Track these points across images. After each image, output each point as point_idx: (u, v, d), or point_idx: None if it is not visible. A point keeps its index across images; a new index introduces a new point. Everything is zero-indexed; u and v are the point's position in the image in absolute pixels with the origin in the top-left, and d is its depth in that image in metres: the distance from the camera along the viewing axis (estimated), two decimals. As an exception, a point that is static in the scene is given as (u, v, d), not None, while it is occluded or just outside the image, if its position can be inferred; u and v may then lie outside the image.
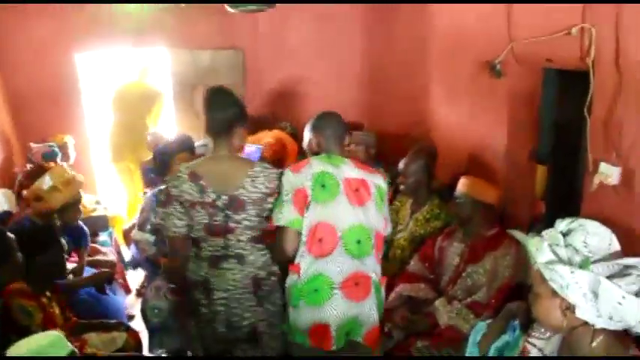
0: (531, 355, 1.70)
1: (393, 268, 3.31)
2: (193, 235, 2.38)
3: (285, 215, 2.31)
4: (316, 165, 2.39)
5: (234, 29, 5.12)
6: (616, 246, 1.45)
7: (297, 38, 5.22)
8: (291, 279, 2.42)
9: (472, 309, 2.62)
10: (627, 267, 1.38)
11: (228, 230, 2.35)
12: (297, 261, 2.39)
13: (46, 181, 3.25)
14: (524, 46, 3.05)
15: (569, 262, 1.42)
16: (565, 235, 1.46)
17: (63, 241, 2.87)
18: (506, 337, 2.01)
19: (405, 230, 3.38)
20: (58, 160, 4.53)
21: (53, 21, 4.70)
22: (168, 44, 5.09)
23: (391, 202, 3.66)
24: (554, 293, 1.44)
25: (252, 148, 3.00)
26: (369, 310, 2.42)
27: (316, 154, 2.51)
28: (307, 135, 2.61)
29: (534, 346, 1.66)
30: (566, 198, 3.16)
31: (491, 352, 1.96)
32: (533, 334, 1.71)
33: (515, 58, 3.16)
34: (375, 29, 5.09)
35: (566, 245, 1.44)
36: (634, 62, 2.35)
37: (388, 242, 3.49)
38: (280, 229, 2.36)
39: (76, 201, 3.46)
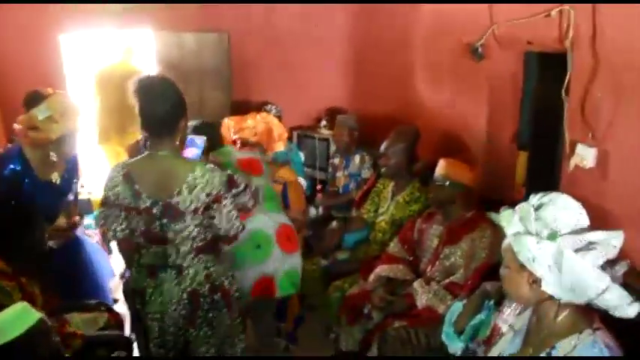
0: (503, 333, 1.72)
1: (374, 251, 3.34)
2: (134, 240, 2.18)
3: None
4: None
5: (219, 12, 5.07)
6: (585, 221, 1.46)
7: (283, 22, 5.19)
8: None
9: (449, 290, 2.64)
10: (593, 242, 1.40)
11: (167, 240, 2.11)
12: None
13: (42, 110, 2.97)
14: (505, 28, 3.06)
15: (538, 235, 1.43)
16: (537, 209, 1.48)
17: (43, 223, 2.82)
18: (481, 316, 2.03)
19: (386, 213, 3.39)
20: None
21: (37, 2, 4.64)
22: (153, 26, 5.04)
23: (373, 184, 3.68)
24: (522, 266, 1.46)
25: (196, 139, 2.80)
26: None
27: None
28: None
29: (506, 322, 1.69)
30: (546, 183, 3.18)
31: (467, 331, 1.99)
32: (504, 310, 1.73)
33: (497, 41, 3.17)
34: (359, 13, 5.08)
35: (537, 219, 1.45)
36: (610, 44, 2.37)
37: (369, 225, 3.52)
38: None
39: (74, 133, 3.16)
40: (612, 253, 1.40)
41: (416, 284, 2.76)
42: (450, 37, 3.60)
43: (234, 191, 2.18)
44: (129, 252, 2.27)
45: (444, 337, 2.08)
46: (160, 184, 2.07)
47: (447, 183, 2.78)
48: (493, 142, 3.44)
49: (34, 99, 3.07)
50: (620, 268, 1.40)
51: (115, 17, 4.80)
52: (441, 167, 2.85)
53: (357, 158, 4.19)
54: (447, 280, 2.68)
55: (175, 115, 2.09)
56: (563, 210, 1.47)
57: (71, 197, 3.43)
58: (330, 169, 4.57)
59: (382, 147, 3.36)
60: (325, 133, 5.02)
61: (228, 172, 2.18)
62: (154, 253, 2.16)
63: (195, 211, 2.06)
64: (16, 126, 3.09)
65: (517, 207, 1.56)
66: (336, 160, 4.44)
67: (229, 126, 3.58)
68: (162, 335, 2.21)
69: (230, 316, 2.26)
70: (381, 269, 2.96)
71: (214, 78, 5.13)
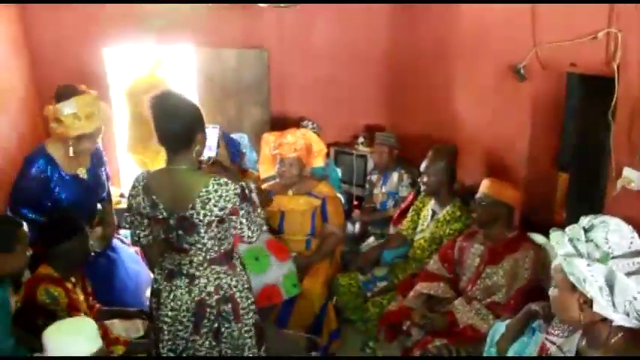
0: (551, 354, 1.72)
1: (412, 268, 3.34)
2: (159, 245, 2.27)
3: None
4: None
5: (259, 29, 5.17)
6: (637, 244, 1.46)
7: (321, 39, 5.26)
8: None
9: (491, 309, 2.64)
10: None
11: (182, 250, 2.18)
12: None
13: (68, 106, 2.97)
14: (548, 50, 3.06)
15: (589, 257, 1.44)
16: (587, 230, 1.49)
17: (87, 229, 2.89)
18: (524, 338, 2.02)
19: (425, 231, 3.40)
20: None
21: (83, 15, 4.78)
22: (194, 42, 5.16)
23: (412, 202, 3.70)
24: (573, 287, 1.46)
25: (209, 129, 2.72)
26: None
27: None
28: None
29: (553, 343, 1.68)
30: (587, 205, 3.16)
31: (510, 354, 1.98)
32: (552, 331, 1.73)
33: (540, 62, 3.17)
34: (398, 30, 5.13)
35: (587, 240, 1.46)
36: (659, 67, 2.36)
37: (409, 242, 3.54)
38: None
39: (95, 134, 3.15)
40: None
41: (457, 302, 2.77)
42: (491, 56, 3.61)
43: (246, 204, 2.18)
44: (152, 256, 2.35)
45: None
46: (175, 198, 2.11)
47: (491, 202, 2.79)
48: (534, 163, 3.43)
49: (66, 93, 3.05)
50: None
51: (156, 32, 4.93)
52: (485, 186, 2.86)
53: (395, 176, 4.21)
54: (489, 300, 2.68)
55: (190, 131, 2.12)
56: (614, 232, 1.47)
57: (104, 194, 3.46)
58: (367, 186, 4.60)
59: (422, 166, 3.38)
60: (362, 150, 5.06)
61: (242, 183, 2.20)
62: (173, 259, 2.23)
63: (210, 224, 2.11)
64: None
65: (567, 228, 1.57)
66: (374, 177, 4.47)
67: (269, 141, 3.65)
68: (173, 339, 2.25)
69: (239, 328, 2.29)
70: (421, 286, 2.97)
71: (253, 94, 5.21)
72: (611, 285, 1.40)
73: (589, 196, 3.21)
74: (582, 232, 1.49)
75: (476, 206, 2.87)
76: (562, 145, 3.45)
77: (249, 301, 2.34)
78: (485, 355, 2.23)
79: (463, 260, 2.93)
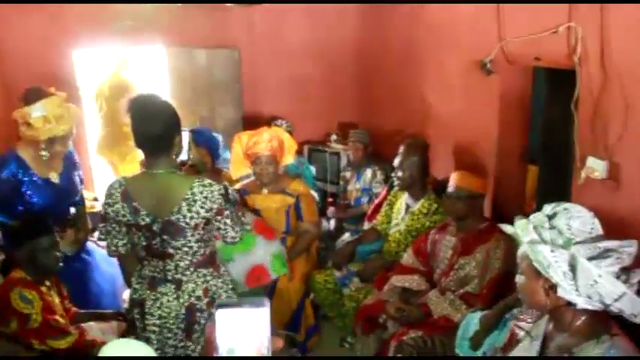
0: (520, 340, 1.77)
1: (387, 262, 3.39)
2: (136, 254, 2.22)
3: None
4: None
5: (230, 29, 5.17)
6: (598, 229, 1.52)
7: (292, 38, 5.29)
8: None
9: (464, 299, 2.69)
10: (608, 250, 1.45)
11: (167, 255, 2.13)
12: None
13: (37, 109, 2.93)
14: (513, 44, 3.13)
15: (553, 243, 1.49)
16: (550, 218, 1.53)
17: (56, 231, 2.85)
18: (497, 332, 2.07)
19: (400, 224, 3.45)
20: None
21: (51, 17, 4.72)
22: (164, 42, 5.14)
23: (385, 197, 3.75)
24: (538, 273, 1.51)
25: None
26: None
27: None
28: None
29: (522, 329, 1.73)
30: (557, 196, 3.23)
31: (484, 348, 2.03)
32: (520, 317, 1.78)
33: (506, 57, 3.23)
34: (368, 28, 5.18)
35: (551, 227, 1.51)
36: (618, 59, 2.44)
37: (383, 236, 3.58)
38: None
39: (66, 136, 3.11)
40: (627, 262, 1.45)
41: (431, 294, 2.82)
42: (459, 52, 3.67)
43: (230, 205, 2.17)
44: (129, 266, 2.30)
45: (457, 350, 2.12)
46: (158, 202, 2.08)
47: (467, 194, 2.84)
48: (503, 156, 3.49)
49: (34, 95, 3.02)
50: (636, 276, 1.45)
51: (126, 33, 4.89)
52: (457, 180, 2.90)
53: (368, 172, 4.26)
54: (462, 290, 2.74)
55: (170, 133, 2.11)
56: (576, 219, 1.52)
57: (77, 198, 3.42)
58: (341, 182, 4.64)
59: (396, 161, 3.42)
60: (336, 147, 5.10)
61: (225, 183, 2.20)
62: (155, 266, 2.18)
63: (196, 227, 2.09)
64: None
65: (531, 216, 1.62)
66: (348, 174, 4.51)
67: (242, 140, 3.65)
68: (162, 347, 2.20)
69: None
70: (396, 279, 3.01)
71: (225, 93, 5.21)
72: (573, 270, 1.45)
73: (558, 188, 3.28)
74: (546, 219, 1.53)
75: (452, 200, 2.90)
76: (530, 138, 3.53)
77: None
78: (457, 345, 2.28)
79: (436, 253, 2.98)
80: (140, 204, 2.09)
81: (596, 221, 1.53)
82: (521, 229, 1.57)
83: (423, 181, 3.41)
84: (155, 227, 2.09)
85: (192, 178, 2.13)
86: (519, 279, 1.62)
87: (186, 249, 2.12)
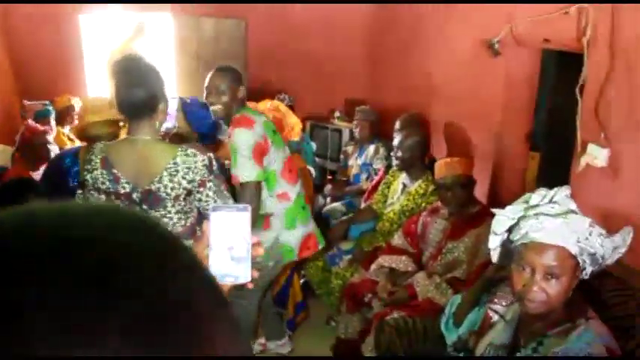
0: (494, 323, 1.71)
1: (378, 241, 3.33)
2: None
3: (251, 172, 2.47)
4: (257, 116, 2.60)
5: (239, -1, 5.10)
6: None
7: (301, 12, 5.20)
8: (282, 206, 2.68)
9: (451, 284, 2.63)
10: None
11: None
12: (283, 191, 2.68)
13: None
14: (522, 25, 3.02)
15: (557, 213, 1.46)
16: (550, 200, 1.50)
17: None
18: (477, 309, 2.02)
19: (395, 204, 3.38)
20: (52, 119, 4.51)
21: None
22: (172, 9, 5.07)
23: (383, 176, 3.68)
24: (573, 259, 1.47)
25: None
26: None
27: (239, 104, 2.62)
28: (238, 86, 2.65)
29: (496, 312, 1.67)
30: (559, 184, 3.14)
31: (465, 324, 1.97)
32: (495, 300, 1.72)
33: (514, 38, 3.13)
34: (377, 5, 5.07)
35: (551, 201, 1.48)
36: (628, 44, 2.34)
37: (378, 216, 3.52)
38: (246, 186, 2.48)
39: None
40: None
41: (418, 276, 2.75)
42: (467, 31, 3.58)
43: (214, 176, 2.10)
44: None
45: (442, 328, 2.07)
46: (139, 171, 2.01)
47: (465, 180, 2.75)
48: (505, 140, 3.41)
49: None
50: (628, 234, 1.41)
51: (135, -1, 4.83)
52: (450, 168, 2.78)
53: (371, 148, 4.18)
54: (449, 275, 2.67)
55: (155, 98, 2.01)
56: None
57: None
58: (342, 157, 4.58)
59: (396, 140, 3.34)
60: (338, 124, 5.01)
61: (210, 154, 2.12)
62: None
63: (177, 197, 2.02)
64: None
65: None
66: (350, 148, 4.45)
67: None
68: None
69: None
70: (383, 259, 2.96)
71: (230, 64, 5.13)
72: (579, 233, 1.43)
73: (560, 176, 3.19)
74: (546, 199, 1.49)
75: (441, 192, 2.82)
76: (535, 124, 3.42)
77: None
78: (442, 326, 2.22)
79: (426, 235, 2.91)
80: (120, 171, 2.02)
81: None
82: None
83: (422, 161, 3.33)
84: (135, 196, 2.03)
85: (175, 147, 2.06)
86: (554, 285, 1.43)
87: (166, 220, 2.04)
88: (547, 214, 1.44)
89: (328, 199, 4.29)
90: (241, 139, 2.49)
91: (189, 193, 2.04)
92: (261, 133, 2.55)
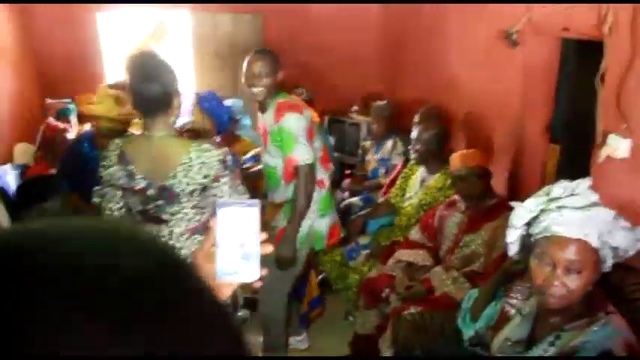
0: (511, 317, 1.69)
1: (396, 236, 3.30)
2: (133, 218, 2.15)
3: (309, 155, 2.57)
4: (299, 101, 2.72)
5: (255, -6, 5.09)
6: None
7: (317, 6, 5.17)
8: (319, 193, 2.72)
9: (469, 278, 2.59)
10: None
11: (161, 221, 2.08)
12: (320, 177, 2.72)
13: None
14: (541, 14, 2.96)
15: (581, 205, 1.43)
16: (572, 192, 1.47)
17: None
18: (494, 303, 2.00)
19: (413, 198, 3.35)
20: (73, 117, 4.57)
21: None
22: (189, 6, 5.09)
23: (402, 170, 3.65)
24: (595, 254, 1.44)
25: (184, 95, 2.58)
26: None
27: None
28: (277, 70, 2.70)
29: (513, 306, 1.64)
30: (579, 177, 3.08)
31: (482, 319, 1.95)
32: (512, 295, 1.69)
33: (532, 27, 3.07)
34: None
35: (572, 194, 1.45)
36: (649, 30, 2.27)
37: (396, 210, 3.49)
38: (305, 168, 2.56)
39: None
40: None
41: (435, 270, 2.73)
42: (485, 21, 3.51)
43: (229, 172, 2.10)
44: None
45: (459, 323, 2.04)
46: (155, 166, 2.02)
47: (480, 171, 2.72)
48: (524, 132, 3.35)
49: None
50: None
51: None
52: (463, 160, 2.77)
53: (389, 143, 4.14)
54: (467, 269, 2.64)
55: (169, 94, 2.02)
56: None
57: None
58: (360, 152, 4.55)
59: (414, 134, 3.32)
60: (356, 118, 4.98)
61: (225, 149, 2.11)
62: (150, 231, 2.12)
63: (192, 193, 2.03)
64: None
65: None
66: (368, 143, 4.42)
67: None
68: None
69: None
70: (401, 254, 2.94)
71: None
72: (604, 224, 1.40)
73: (582, 167, 3.12)
74: (567, 191, 1.46)
75: (456, 184, 2.80)
76: (554, 116, 3.36)
77: None
78: (459, 321, 2.20)
79: (443, 229, 2.88)
80: (136, 168, 2.03)
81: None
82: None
83: (440, 154, 3.29)
84: (150, 192, 2.04)
85: (189, 142, 2.07)
86: (575, 279, 1.41)
87: (181, 215, 2.06)
88: (569, 207, 1.41)
89: (346, 194, 4.27)
90: (297, 123, 2.57)
91: (204, 188, 2.04)
92: (309, 117, 2.66)
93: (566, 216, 1.39)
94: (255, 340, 2.96)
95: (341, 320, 3.47)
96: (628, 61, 2.38)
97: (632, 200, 2.35)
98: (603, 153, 2.47)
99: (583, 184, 1.45)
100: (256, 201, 1.00)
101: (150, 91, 1.98)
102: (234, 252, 0.97)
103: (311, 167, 2.59)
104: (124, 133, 3.09)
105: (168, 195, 2.02)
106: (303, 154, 2.55)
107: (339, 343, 3.17)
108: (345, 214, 3.89)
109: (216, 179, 2.04)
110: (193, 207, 2.06)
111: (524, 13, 3.06)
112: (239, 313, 3.34)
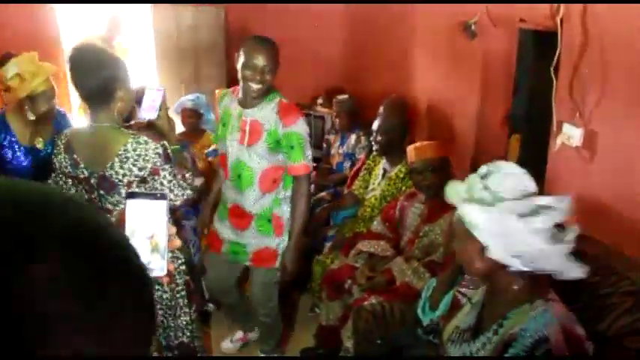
0: (462, 306, 1.70)
1: (360, 227, 3.31)
2: None
3: (311, 163, 2.61)
4: None
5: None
6: (531, 187, 1.43)
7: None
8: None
9: (428, 268, 2.61)
10: (541, 207, 1.36)
11: (106, 210, 2.08)
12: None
13: (10, 69, 2.87)
14: (499, 6, 2.99)
15: (482, 202, 1.40)
16: (483, 177, 1.45)
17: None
18: (452, 292, 2.01)
19: (376, 189, 3.36)
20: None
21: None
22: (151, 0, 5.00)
23: (364, 161, 3.66)
24: (471, 236, 1.43)
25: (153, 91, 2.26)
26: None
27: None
28: (279, 63, 2.61)
29: (464, 295, 1.66)
30: (539, 166, 3.12)
31: (441, 307, 1.97)
32: (463, 283, 1.71)
33: (490, 19, 3.10)
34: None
35: (483, 187, 1.43)
36: (600, 22, 2.31)
37: (360, 202, 3.49)
38: (308, 177, 2.62)
39: (46, 92, 2.97)
40: (559, 218, 1.37)
41: (396, 261, 2.74)
42: (444, 14, 3.53)
43: (169, 165, 2.08)
44: None
45: (418, 312, 2.06)
46: (95, 156, 2.06)
47: (440, 162, 2.74)
48: (484, 123, 3.38)
49: (5, 60, 2.97)
50: (571, 233, 1.36)
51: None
52: (410, 155, 2.79)
53: (353, 137, 4.15)
54: (427, 259, 2.66)
55: (108, 86, 2.02)
56: (507, 176, 1.44)
57: None
58: (324, 146, 4.54)
59: (375, 124, 3.32)
60: (321, 111, 4.97)
61: (164, 142, 2.09)
62: None
63: (129, 184, 2.03)
64: None
65: (467, 178, 1.55)
66: (332, 137, 4.41)
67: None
68: None
69: (171, 289, 2.26)
70: (362, 244, 2.96)
71: (210, 54, 5.08)
72: (504, 229, 1.37)
73: (540, 157, 3.17)
74: (479, 179, 1.45)
75: (414, 177, 2.82)
76: (514, 106, 3.39)
77: (180, 261, 2.29)
78: (419, 310, 2.21)
79: (404, 219, 2.90)
80: (79, 156, 2.08)
81: (530, 179, 1.45)
82: (455, 191, 1.49)
83: (401, 145, 3.30)
84: (92, 181, 2.08)
85: (128, 134, 2.07)
86: (456, 245, 1.55)
87: (122, 206, 2.01)
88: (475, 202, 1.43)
89: (312, 187, 4.26)
90: (305, 128, 2.58)
91: (142, 180, 2.04)
92: None
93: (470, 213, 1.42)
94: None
95: (306, 313, 3.47)
96: (579, 50, 2.42)
97: (586, 186, 2.40)
98: (558, 141, 2.52)
99: (494, 176, 1.45)
100: (165, 194, 1.00)
101: (88, 82, 2.02)
102: (143, 244, 0.96)
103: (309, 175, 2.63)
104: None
105: (108, 185, 2.05)
106: (310, 160, 2.58)
107: (306, 335, 3.19)
108: (312, 207, 3.88)
109: (155, 172, 2.03)
110: None
111: (482, 5, 3.09)
112: (205, 308, 3.34)
